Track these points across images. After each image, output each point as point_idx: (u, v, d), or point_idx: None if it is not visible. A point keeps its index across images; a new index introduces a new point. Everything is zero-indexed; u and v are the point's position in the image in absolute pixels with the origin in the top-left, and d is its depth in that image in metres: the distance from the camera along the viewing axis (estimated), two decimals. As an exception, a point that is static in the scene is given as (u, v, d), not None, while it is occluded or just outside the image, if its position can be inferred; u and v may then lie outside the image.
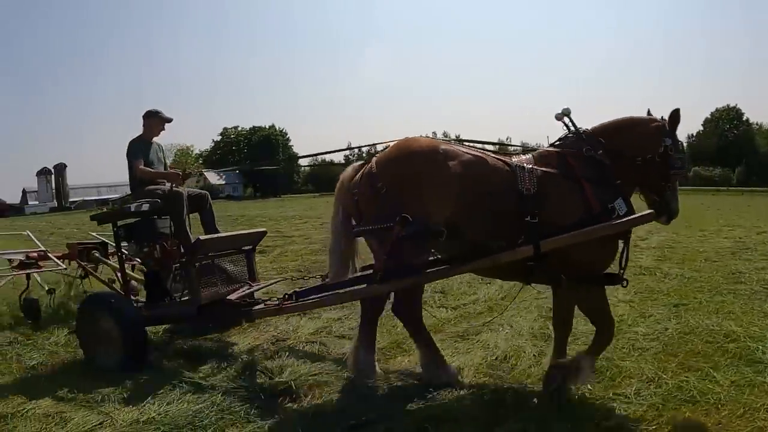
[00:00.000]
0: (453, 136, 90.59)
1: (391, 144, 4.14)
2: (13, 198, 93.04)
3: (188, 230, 5.59)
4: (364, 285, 4.29)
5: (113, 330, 4.90)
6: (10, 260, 7.43)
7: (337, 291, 4.50)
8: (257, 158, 75.60)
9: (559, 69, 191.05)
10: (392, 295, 4.33)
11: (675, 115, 4.01)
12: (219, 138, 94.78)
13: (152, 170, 5.91)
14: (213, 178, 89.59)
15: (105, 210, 6.13)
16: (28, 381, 4.88)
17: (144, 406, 4.09)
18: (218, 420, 3.81)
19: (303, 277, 6.16)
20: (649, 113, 4.18)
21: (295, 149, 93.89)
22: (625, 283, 3.96)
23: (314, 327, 6.06)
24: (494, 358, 4.84)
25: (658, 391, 3.97)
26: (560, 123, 4.21)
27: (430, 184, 3.78)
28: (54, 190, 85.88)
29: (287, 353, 5.10)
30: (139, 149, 5.91)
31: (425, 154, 3.86)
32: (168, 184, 5.79)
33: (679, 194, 4.17)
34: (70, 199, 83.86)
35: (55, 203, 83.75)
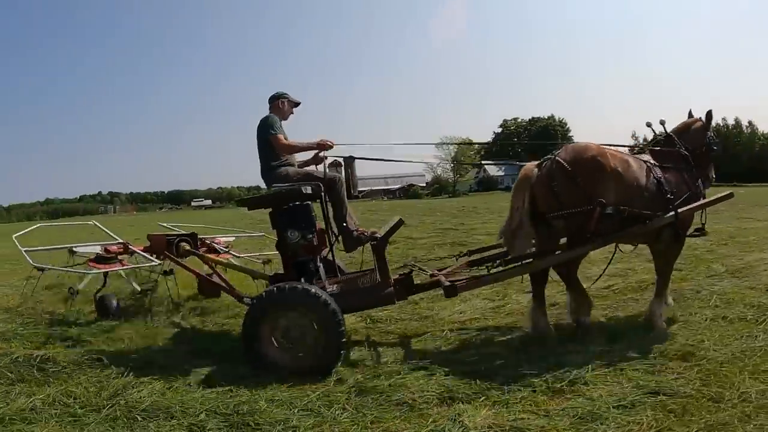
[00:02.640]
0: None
1: (569, 146, 5.37)
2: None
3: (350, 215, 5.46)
4: (558, 252, 5.29)
5: (310, 326, 4.59)
6: (71, 252, 6.91)
7: (530, 261, 5.35)
8: (535, 149, 75.85)
9: None
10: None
11: (709, 115, 5.77)
12: (499, 130, 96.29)
13: (296, 141, 5.64)
14: (492, 169, 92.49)
15: (263, 193, 5.95)
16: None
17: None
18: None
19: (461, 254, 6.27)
20: (690, 115, 5.93)
21: (575, 140, 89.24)
22: (707, 232, 5.81)
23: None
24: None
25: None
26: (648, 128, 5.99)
27: (611, 177, 5.04)
28: (344, 180, 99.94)
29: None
30: (278, 122, 5.59)
31: (604, 156, 5.12)
32: (319, 168, 5.66)
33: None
34: (359, 189, 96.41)
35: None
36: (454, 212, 27.27)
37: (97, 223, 8.01)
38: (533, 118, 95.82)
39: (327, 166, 5.71)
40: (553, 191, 5.09)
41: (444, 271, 5.74)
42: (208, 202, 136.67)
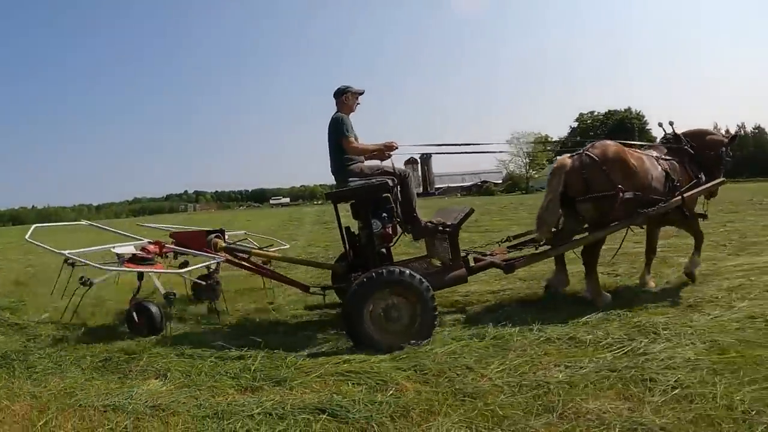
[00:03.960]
0: None
1: (598, 144, 6.41)
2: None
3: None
4: (597, 231, 6.20)
5: (408, 307, 4.95)
6: (118, 255, 6.08)
7: (573, 240, 6.34)
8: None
9: None
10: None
11: (734, 136, 7.25)
12: (575, 124, 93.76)
13: (366, 144, 5.93)
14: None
15: (349, 185, 5.74)
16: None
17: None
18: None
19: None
20: (716, 127, 14.73)
21: (654, 133, 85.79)
22: (707, 216, 6.92)
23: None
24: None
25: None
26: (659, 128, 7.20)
27: (630, 170, 6.15)
28: (420, 178, 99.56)
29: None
30: (349, 123, 5.87)
31: (626, 153, 6.27)
32: (389, 163, 5.92)
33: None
34: (435, 186, 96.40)
35: (420, 189, 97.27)
36: (494, 209, 26.91)
37: (92, 223, 7.97)
38: (609, 111, 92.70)
39: (404, 163, 6.31)
40: (583, 178, 6.13)
41: (494, 254, 6.56)
42: (286, 200, 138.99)
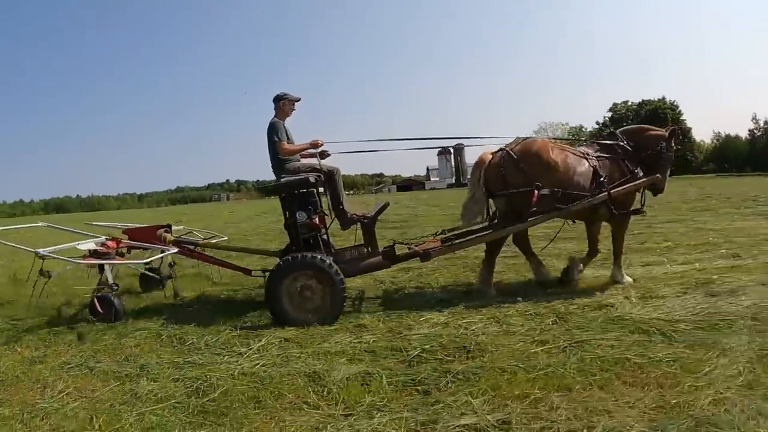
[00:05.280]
0: None
1: (521, 141, 6.71)
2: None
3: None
4: (513, 225, 6.48)
5: (320, 288, 5.53)
6: (38, 255, 6.22)
7: (488, 232, 6.68)
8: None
9: None
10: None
11: (672, 131, 6.94)
12: (609, 114, 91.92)
13: (295, 145, 6.55)
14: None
15: (280, 181, 6.37)
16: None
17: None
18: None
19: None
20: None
21: (689, 124, 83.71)
22: (644, 211, 6.97)
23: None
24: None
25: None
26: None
27: (549, 166, 6.33)
28: (453, 168, 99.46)
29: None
30: (281, 129, 6.47)
31: (547, 149, 6.44)
32: (321, 162, 6.52)
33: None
34: (468, 176, 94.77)
35: (453, 180, 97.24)
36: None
37: (50, 224, 8.23)
38: (643, 101, 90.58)
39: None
40: (501, 174, 6.42)
41: (421, 245, 6.83)
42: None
